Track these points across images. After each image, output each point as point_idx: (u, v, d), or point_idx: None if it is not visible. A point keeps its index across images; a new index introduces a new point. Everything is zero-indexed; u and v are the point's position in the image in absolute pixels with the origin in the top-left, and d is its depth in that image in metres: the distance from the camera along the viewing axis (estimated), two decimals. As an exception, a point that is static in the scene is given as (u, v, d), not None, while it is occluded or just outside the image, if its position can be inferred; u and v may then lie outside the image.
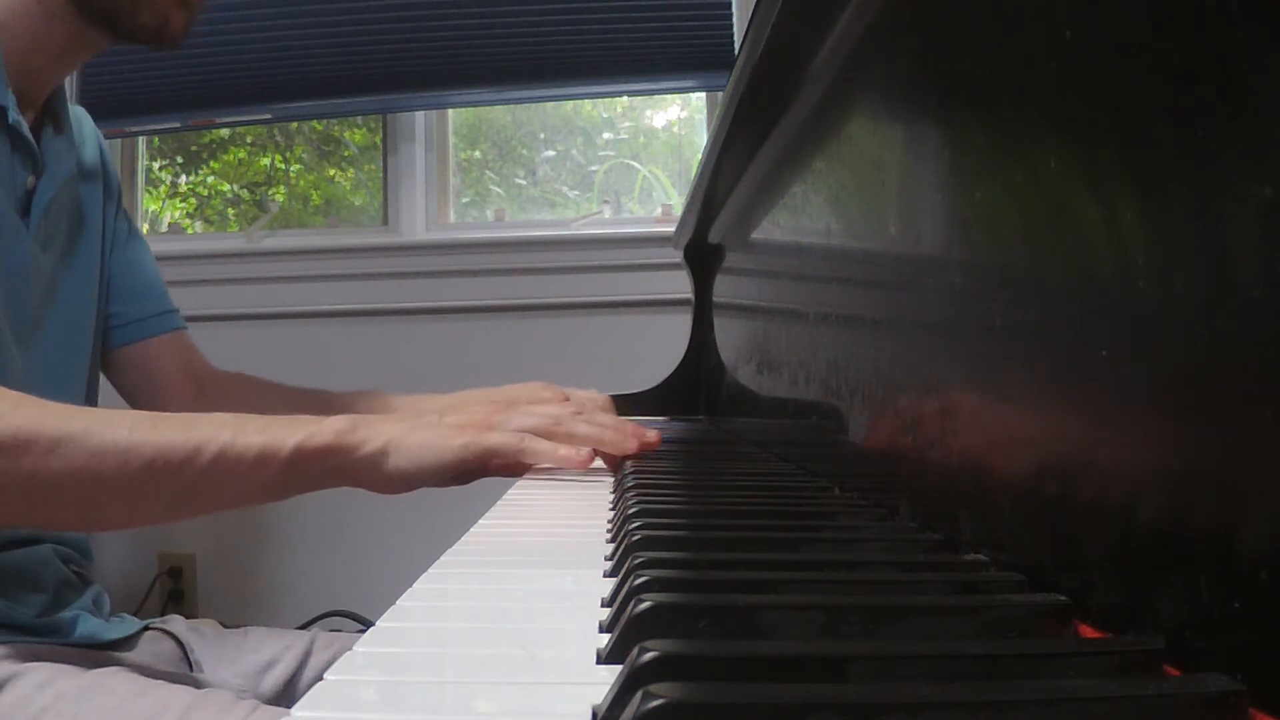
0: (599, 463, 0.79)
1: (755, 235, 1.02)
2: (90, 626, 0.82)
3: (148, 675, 0.73)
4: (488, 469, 0.74)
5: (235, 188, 2.42)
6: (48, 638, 0.79)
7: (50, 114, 0.88)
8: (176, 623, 0.92)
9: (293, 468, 0.67)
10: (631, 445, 0.78)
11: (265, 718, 0.67)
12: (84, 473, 0.62)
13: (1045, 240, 0.37)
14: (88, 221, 0.92)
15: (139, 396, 1.01)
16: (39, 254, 0.84)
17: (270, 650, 0.91)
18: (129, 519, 0.72)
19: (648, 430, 0.81)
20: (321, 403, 1.01)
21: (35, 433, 0.61)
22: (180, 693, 0.69)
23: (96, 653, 0.80)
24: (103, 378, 0.99)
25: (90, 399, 0.93)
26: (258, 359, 1.99)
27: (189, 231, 2.39)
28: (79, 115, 0.95)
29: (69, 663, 0.73)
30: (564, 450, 0.71)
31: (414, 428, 0.71)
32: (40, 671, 0.70)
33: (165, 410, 0.99)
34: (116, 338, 0.99)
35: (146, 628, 0.89)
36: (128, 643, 0.86)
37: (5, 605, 0.77)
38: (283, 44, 2.08)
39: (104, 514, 0.68)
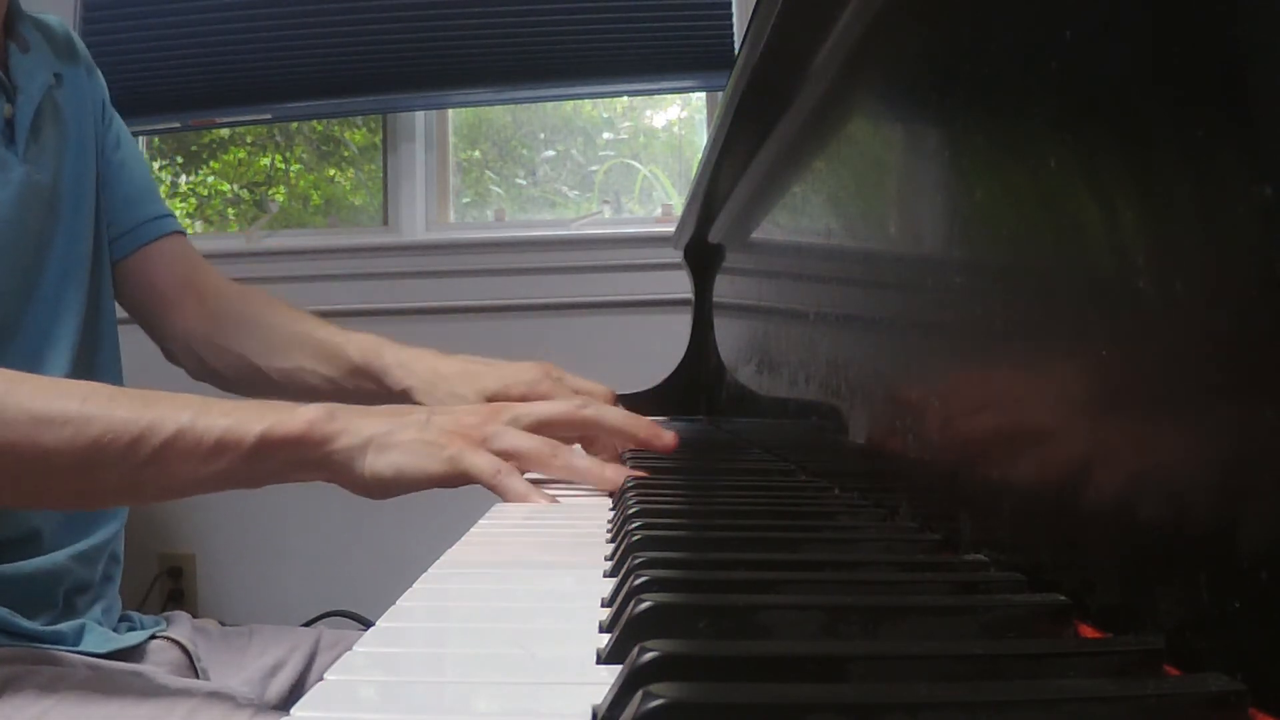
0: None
1: (755, 235, 1.02)
2: (95, 639, 0.81)
3: (151, 680, 0.73)
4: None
5: (235, 188, 2.41)
6: (52, 645, 0.78)
7: (11, 34, 0.85)
8: (182, 624, 0.91)
9: (257, 456, 0.62)
10: (618, 481, 0.69)
11: (265, 723, 0.67)
12: (26, 441, 0.59)
13: (1045, 240, 0.37)
14: (74, 133, 0.89)
15: (140, 310, 0.98)
16: (35, 175, 0.83)
17: (276, 652, 0.90)
18: (76, 498, 0.67)
19: (664, 431, 0.75)
20: (319, 330, 1.02)
21: None
22: (183, 698, 0.69)
23: (100, 659, 0.79)
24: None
25: (93, 311, 0.88)
26: (258, 359, 2.00)
27: (189, 232, 2.39)
28: (41, 22, 0.91)
29: (72, 667, 0.72)
30: (535, 498, 0.65)
31: (400, 426, 0.65)
32: (43, 675, 0.70)
33: (168, 324, 0.99)
34: (113, 251, 0.95)
35: (152, 637, 0.87)
36: (134, 650, 0.85)
37: (10, 614, 0.76)
38: (283, 44, 2.08)
39: (47, 488, 0.64)
